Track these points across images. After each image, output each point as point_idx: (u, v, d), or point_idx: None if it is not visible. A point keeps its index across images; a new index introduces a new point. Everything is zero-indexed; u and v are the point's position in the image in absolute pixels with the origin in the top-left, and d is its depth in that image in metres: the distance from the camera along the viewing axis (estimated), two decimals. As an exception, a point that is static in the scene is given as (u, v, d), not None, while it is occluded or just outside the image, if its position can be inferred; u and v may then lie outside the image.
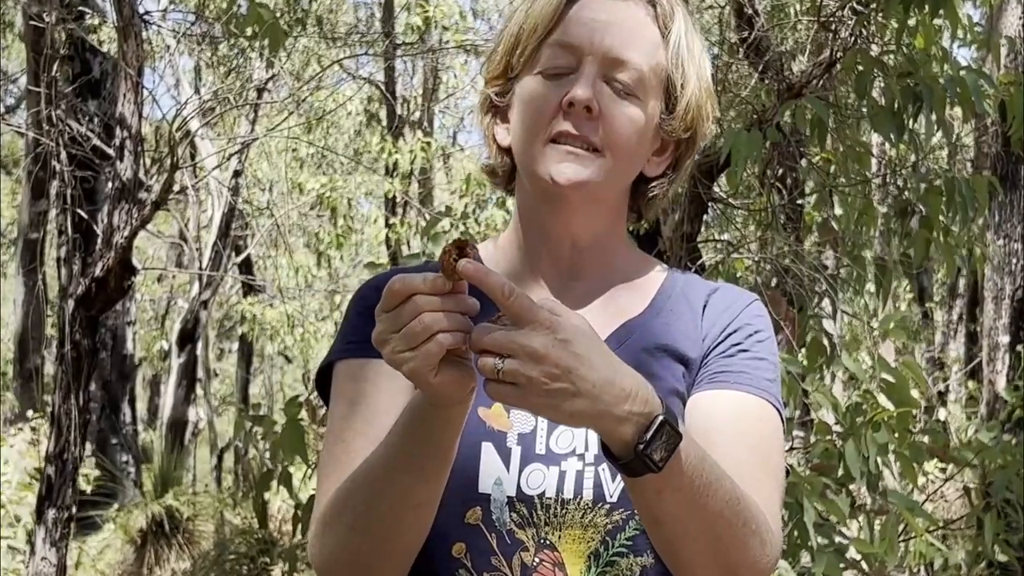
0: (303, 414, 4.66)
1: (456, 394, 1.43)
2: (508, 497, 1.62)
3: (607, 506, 1.61)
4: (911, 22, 4.36)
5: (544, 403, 1.36)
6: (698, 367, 1.69)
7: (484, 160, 1.82)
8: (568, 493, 1.61)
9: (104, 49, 8.57)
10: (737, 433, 1.53)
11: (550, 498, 1.61)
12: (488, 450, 1.63)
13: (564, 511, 1.61)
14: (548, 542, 1.61)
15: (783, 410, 1.71)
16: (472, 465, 1.62)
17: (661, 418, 1.41)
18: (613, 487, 1.62)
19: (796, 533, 3.79)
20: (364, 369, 1.67)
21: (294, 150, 15.04)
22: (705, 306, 1.75)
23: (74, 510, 6.18)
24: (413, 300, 1.37)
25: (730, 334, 1.71)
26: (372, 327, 1.41)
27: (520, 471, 1.62)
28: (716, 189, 4.89)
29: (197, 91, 13.18)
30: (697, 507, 1.47)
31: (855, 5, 4.43)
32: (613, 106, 1.66)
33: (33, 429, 10.60)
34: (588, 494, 1.61)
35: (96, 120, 7.35)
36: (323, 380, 1.74)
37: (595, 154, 1.66)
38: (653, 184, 1.77)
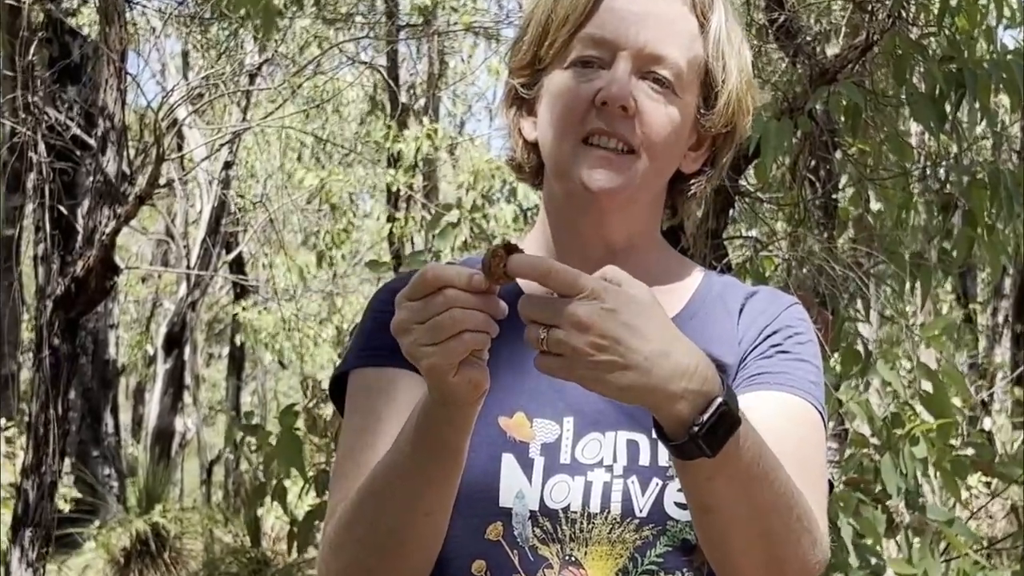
0: (299, 424, 4.67)
1: (470, 395, 1.44)
2: (531, 511, 1.62)
3: (636, 521, 1.62)
4: (953, 2, 4.35)
5: (591, 375, 1.36)
6: (735, 371, 1.70)
7: (507, 153, 1.83)
8: (595, 507, 1.62)
9: (85, 32, 8.57)
10: (778, 436, 1.53)
11: (575, 512, 1.62)
12: (509, 462, 1.63)
13: (590, 526, 1.61)
14: (573, 559, 1.61)
15: (826, 415, 1.71)
16: (492, 478, 1.63)
17: (720, 400, 1.41)
18: (643, 501, 1.62)
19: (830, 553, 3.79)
20: (379, 379, 1.69)
21: (298, 142, 15.06)
22: (742, 309, 1.75)
23: (52, 528, 6.19)
24: (444, 293, 1.38)
25: (768, 336, 1.72)
26: (388, 334, 1.43)
27: (543, 483, 1.63)
28: (743, 182, 4.89)
29: (185, 77, 13.21)
30: (750, 496, 1.48)
31: (893, -16, 4.42)
32: (650, 104, 1.67)
33: (9, 441, 10.61)
34: (616, 508, 1.62)
35: (76, 108, 7.34)
36: (338, 389, 1.76)
37: (630, 155, 1.67)
38: (691, 182, 1.78)
